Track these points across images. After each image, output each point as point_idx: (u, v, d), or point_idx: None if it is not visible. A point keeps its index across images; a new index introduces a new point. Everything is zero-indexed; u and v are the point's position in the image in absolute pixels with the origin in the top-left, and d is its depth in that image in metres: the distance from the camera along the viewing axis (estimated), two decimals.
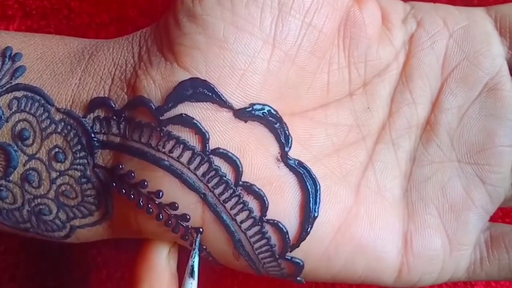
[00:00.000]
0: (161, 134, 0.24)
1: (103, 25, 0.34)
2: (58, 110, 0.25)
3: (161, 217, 0.25)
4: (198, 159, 0.25)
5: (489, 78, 0.29)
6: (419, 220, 0.28)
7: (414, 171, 0.29)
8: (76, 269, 0.35)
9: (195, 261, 0.25)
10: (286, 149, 0.26)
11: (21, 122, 0.25)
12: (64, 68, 0.26)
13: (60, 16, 0.33)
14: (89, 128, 0.25)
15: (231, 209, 0.25)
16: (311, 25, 0.26)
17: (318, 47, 0.26)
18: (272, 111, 0.26)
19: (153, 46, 0.25)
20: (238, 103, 0.25)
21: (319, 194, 0.26)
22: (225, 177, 0.25)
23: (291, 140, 0.26)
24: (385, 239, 0.27)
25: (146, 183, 0.25)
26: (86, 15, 0.33)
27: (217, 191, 0.25)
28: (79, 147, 0.25)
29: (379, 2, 0.29)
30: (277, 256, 0.26)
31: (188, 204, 0.25)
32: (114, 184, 0.25)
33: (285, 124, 0.26)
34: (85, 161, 0.25)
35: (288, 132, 0.26)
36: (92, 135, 0.25)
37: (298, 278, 0.27)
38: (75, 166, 0.26)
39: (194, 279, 0.25)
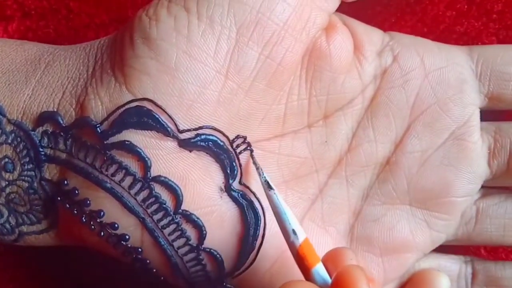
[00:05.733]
0: (105, 158, 0.25)
1: (102, 26, 0.33)
2: (9, 121, 0.26)
3: (102, 234, 0.26)
4: (138, 185, 0.25)
5: (456, 126, 0.28)
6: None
7: (364, 209, 0.29)
8: (76, 271, 0.35)
9: (265, 175, 0.26)
10: (231, 180, 0.26)
11: None
12: (19, 77, 0.26)
13: (59, 17, 0.33)
14: (37, 142, 0.26)
15: (169, 235, 0.26)
16: (269, 57, 0.25)
17: (275, 79, 0.26)
18: (219, 141, 0.25)
19: (107, 62, 0.25)
20: (185, 133, 0.25)
21: (259, 227, 0.26)
22: (164, 204, 0.25)
23: (237, 171, 0.26)
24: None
25: (89, 201, 0.25)
26: (85, 16, 0.33)
27: (155, 217, 0.25)
28: (27, 159, 0.26)
29: (356, 31, 0.28)
30: (213, 283, 0.27)
31: (128, 226, 0.26)
32: (59, 198, 0.26)
33: (233, 154, 0.26)
34: (33, 173, 0.26)
35: (235, 163, 0.26)
36: (40, 149, 0.26)
37: None
38: (23, 178, 0.26)
39: (274, 189, 0.25)
